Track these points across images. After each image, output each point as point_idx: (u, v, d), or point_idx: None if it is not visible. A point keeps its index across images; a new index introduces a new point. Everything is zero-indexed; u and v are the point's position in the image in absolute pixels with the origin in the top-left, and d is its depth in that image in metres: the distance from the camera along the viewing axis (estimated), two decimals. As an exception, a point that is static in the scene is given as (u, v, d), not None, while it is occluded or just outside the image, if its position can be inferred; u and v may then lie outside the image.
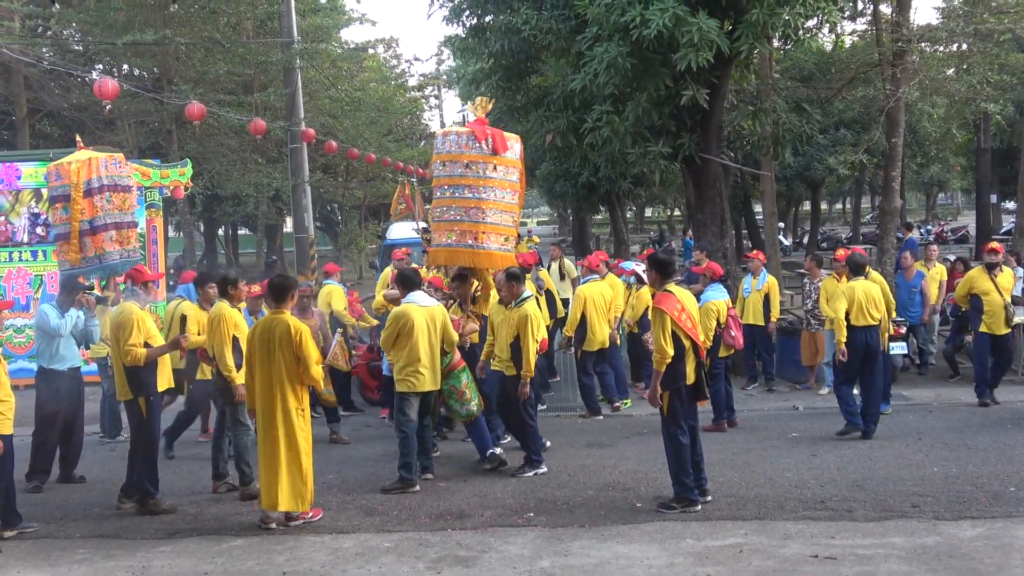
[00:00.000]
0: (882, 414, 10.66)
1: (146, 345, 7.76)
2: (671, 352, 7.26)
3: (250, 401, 7.50)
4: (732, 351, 10.63)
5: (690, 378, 7.44)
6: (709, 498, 7.58)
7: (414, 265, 11.45)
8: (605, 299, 11.31)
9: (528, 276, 11.70)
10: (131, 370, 7.76)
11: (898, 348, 12.15)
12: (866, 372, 9.86)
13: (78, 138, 9.54)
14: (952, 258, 16.33)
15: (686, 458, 7.41)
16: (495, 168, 9.07)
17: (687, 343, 7.39)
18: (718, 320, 10.15)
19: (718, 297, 10.34)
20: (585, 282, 11.59)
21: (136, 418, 7.88)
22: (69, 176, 8.54)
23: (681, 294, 7.60)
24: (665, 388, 7.39)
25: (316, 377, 7.38)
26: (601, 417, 11.20)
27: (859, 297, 9.73)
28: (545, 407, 11.62)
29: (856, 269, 10.05)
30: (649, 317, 8.55)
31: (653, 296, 7.66)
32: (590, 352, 11.19)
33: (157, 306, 9.92)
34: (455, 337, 8.61)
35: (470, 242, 9.05)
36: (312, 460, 7.46)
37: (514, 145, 9.36)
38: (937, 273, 13.43)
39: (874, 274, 11.03)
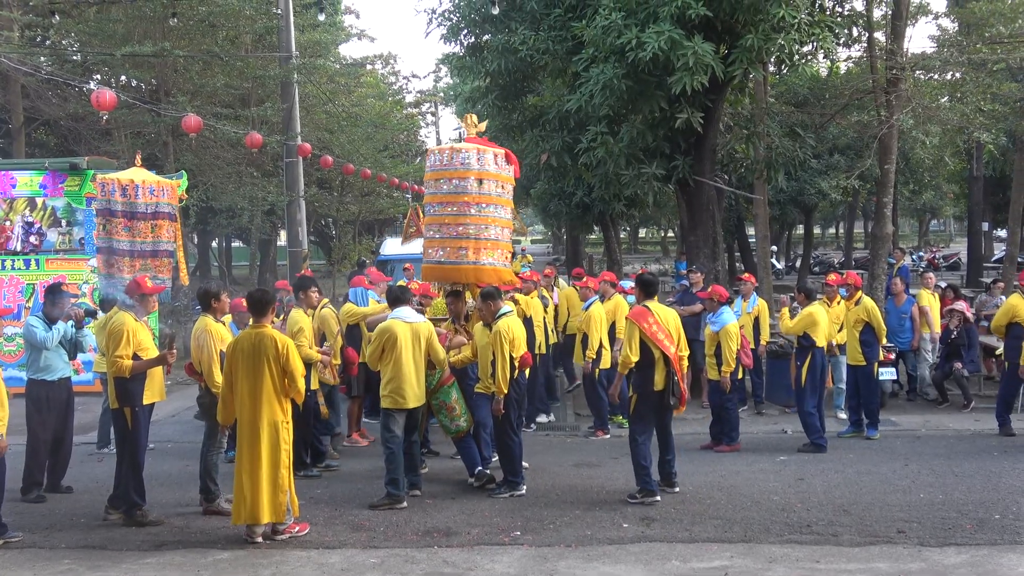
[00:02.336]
0: (870, 439, 10.76)
1: (135, 357, 7.77)
2: (635, 358, 8.21)
3: (227, 416, 7.44)
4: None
5: (658, 384, 8.25)
6: (677, 489, 8.47)
7: (417, 282, 11.36)
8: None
9: (535, 294, 11.79)
10: (118, 380, 7.78)
11: (887, 374, 12.20)
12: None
13: (138, 155, 9.68)
14: (943, 285, 16.40)
15: (642, 455, 8.23)
16: (484, 183, 9.10)
17: (656, 353, 8.21)
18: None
19: (735, 320, 10.69)
20: (591, 304, 11.54)
21: (121, 428, 7.90)
22: (172, 195, 8.96)
23: (658, 310, 8.37)
24: (635, 391, 8.40)
25: (302, 390, 7.42)
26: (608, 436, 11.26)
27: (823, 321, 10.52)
28: (535, 428, 11.62)
29: (809, 295, 10.84)
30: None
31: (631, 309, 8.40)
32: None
33: (150, 318, 9.92)
34: (442, 354, 8.60)
35: (469, 259, 9.06)
36: (294, 473, 7.50)
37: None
38: (934, 301, 13.48)
39: (865, 299, 11.10)
